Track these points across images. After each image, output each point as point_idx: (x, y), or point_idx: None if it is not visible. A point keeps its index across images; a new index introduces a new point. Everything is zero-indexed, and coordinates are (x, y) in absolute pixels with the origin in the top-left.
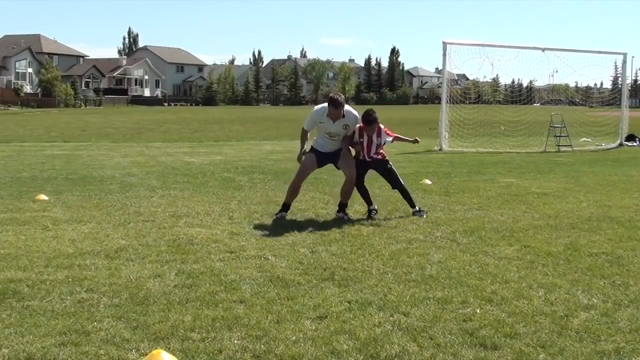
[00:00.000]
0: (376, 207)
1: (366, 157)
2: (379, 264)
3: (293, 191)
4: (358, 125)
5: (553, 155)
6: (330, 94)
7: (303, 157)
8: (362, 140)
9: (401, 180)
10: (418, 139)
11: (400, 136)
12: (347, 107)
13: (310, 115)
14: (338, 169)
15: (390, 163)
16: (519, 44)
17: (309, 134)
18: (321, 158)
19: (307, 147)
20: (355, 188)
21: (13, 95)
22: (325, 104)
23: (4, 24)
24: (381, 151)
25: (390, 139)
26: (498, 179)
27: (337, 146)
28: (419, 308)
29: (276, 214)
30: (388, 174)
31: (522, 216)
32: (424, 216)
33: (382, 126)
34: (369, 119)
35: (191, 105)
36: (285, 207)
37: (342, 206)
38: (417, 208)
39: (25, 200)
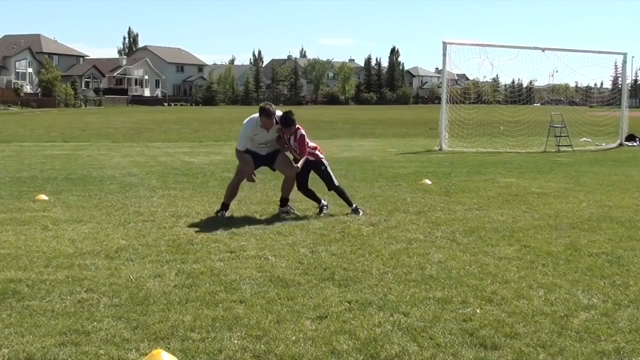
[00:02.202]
0: (326, 203)
1: (297, 157)
2: (379, 264)
3: (232, 191)
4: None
5: (553, 155)
6: (261, 105)
7: (253, 176)
8: (283, 141)
9: (336, 182)
10: (299, 167)
11: (306, 156)
12: (278, 112)
13: (242, 133)
14: (274, 170)
15: (326, 164)
16: (519, 44)
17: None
18: (257, 160)
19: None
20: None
21: (13, 95)
22: (253, 116)
23: (4, 24)
24: (316, 152)
25: (298, 149)
26: (498, 179)
27: (271, 149)
28: (419, 308)
29: (216, 212)
30: (322, 175)
31: (522, 216)
32: (361, 214)
33: (303, 133)
34: (285, 121)
35: (191, 105)
36: (224, 206)
37: (284, 201)
38: (354, 206)
39: (25, 200)
